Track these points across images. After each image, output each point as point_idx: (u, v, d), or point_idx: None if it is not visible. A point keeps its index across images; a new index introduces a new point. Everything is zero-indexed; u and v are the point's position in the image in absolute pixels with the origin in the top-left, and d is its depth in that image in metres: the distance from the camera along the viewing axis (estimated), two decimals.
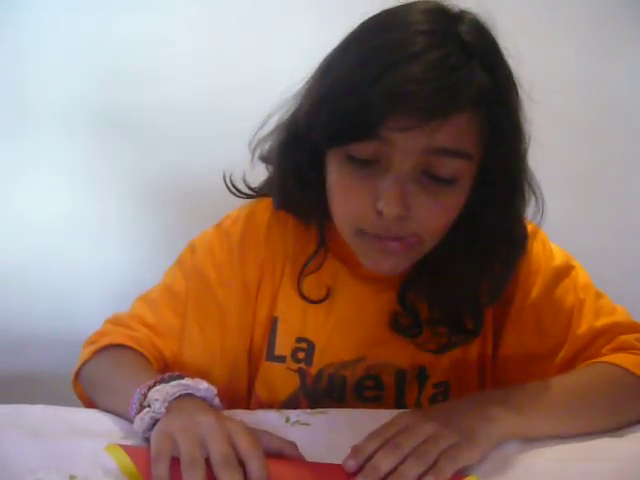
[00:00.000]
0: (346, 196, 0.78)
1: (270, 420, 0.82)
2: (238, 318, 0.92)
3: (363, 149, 0.73)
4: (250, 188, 0.97)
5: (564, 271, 0.91)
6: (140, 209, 1.61)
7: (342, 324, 0.92)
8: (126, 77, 1.51)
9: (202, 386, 0.75)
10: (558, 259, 0.92)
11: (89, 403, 0.90)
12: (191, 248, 0.97)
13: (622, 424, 0.80)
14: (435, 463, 0.66)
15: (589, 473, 0.69)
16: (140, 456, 0.67)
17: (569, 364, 0.88)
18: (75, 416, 0.81)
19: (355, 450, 0.69)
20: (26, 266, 1.60)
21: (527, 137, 0.80)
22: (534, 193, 0.84)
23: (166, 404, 0.71)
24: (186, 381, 0.75)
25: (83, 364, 0.91)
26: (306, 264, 0.91)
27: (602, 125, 1.57)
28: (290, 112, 0.85)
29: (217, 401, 0.76)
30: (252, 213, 0.94)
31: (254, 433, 0.69)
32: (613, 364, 0.83)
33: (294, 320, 0.93)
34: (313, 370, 0.93)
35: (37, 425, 0.77)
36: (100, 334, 0.95)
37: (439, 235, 0.80)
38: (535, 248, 0.91)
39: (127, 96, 1.52)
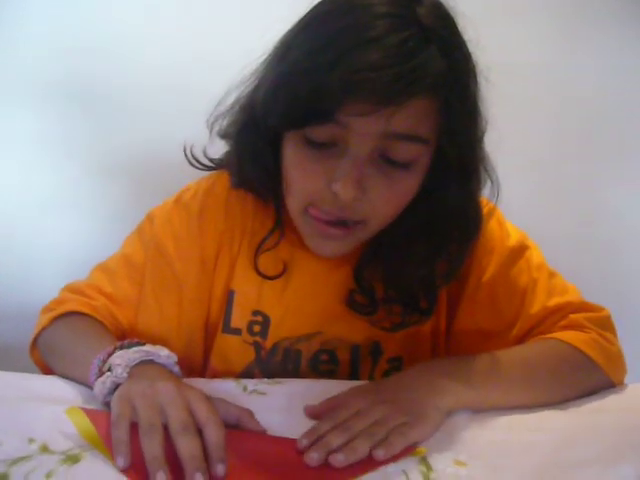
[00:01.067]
0: (301, 176, 0.78)
1: (227, 389, 0.83)
2: (195, 291, 0.93)
3: (320, 132, 0.73)
4: (210, 160, 0.96)
5: (519, 251, 0.93)
6: (96, 181, 1.59)
7: (298, 299, 0.93)
8: (83, 49, 1.49)
9: (163, 353, 0.76)
10: (513, 238, 0.94)
11: (47, 370, 0.91)
12: (150, 218, 0.97)
13: (567, 397, 0.83)
14: (385, 440, 0.68)
15: (534, 443, 0.72)
16: (101, 420, 0.68)
17: (521, 341, 0.91)
18: (33, 383, 0.82)
19: (308, 431, 0.70)
20: None
21: (484, 121, 0.81)
22: (489, 177, 0.85)
23: (128, 369, 0.72)
24: (147, 347, 0.77)
25: (41, 331, 0.91)
26: (263, 241, 0.91)
27: (560, 110, 1.60)
28: (248, 90, 0.84)
29: (177, 369, 0.77)
30: (212, 187, 0.94)
31: (212, 401, 0.70)
32: (561, 340, 0.86)
33: (250, 293, 0.94)
34: (268, 344, 0.94)
35: None
36: (57, 302, 0.95)
37: (387, 220, 0.81)
38: (491, 227, 0.92)
39: (84, 68, 1.51)
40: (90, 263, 1.03)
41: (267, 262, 0.92)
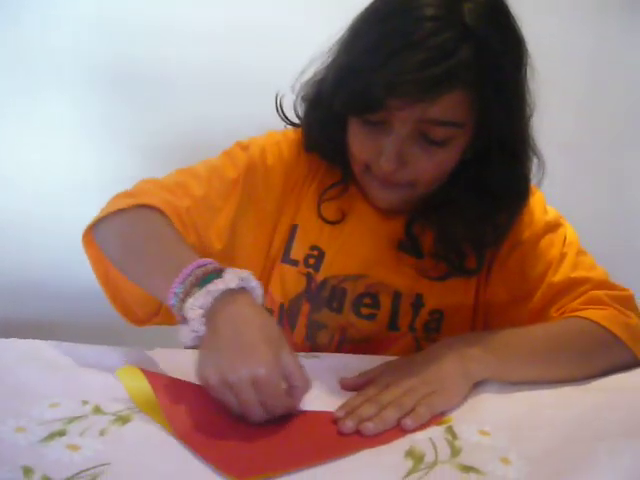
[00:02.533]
0: (359, 149, 0.92)
1: None
2: (270, 220, 1.03)
3: (373, 115, 0.86)
4: (298, 117, 1.05)
5: (553, 226, 1.00)
6: (141, 162, 1.64)
7: (351, 241, 1.03)
8: (128, 31, 1.53)
9: (254, 283, 0.76)
10: (550, 215, 1.01)
11: (97, 255, 0.93)
12: (241, 146, 1.03)
13: (590, 374, 0.86)
14: (413, 410, 0.73)
15: (556, 418, 0.75)
16: (159, 382, 0.74)
17: (541, 311, 0.96)
18: (85, 352, 0.87)
19: (343, 404, 0.76)
20: (30, 217, 1.65)
21: (530, 106, 0.91)
22: (535, 155, 0.95)
23: (204, 320, 0.72)
24: (241, 273, 0.75)
25: (113, 213, 0.90)
26: (329, 188, 1.03)
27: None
28: (318, 77, 0.97)
29: (262, 298, 0.77)
30: (295, 134, 1.05)
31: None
32: (585, 318, 0.90)
33: (311, 230, 1.04)
34: (319, 277, 1.02)
35: (51, 358, 0.83)
36: (138, 189, 0.96)
37: (432, 183, 0.93)
38: (532, 203, 1.00)
39: (129, 50, 1.54)
40: None
41: (329, 208, 1.03)
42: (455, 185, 0.94)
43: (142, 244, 0.87)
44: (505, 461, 0.65)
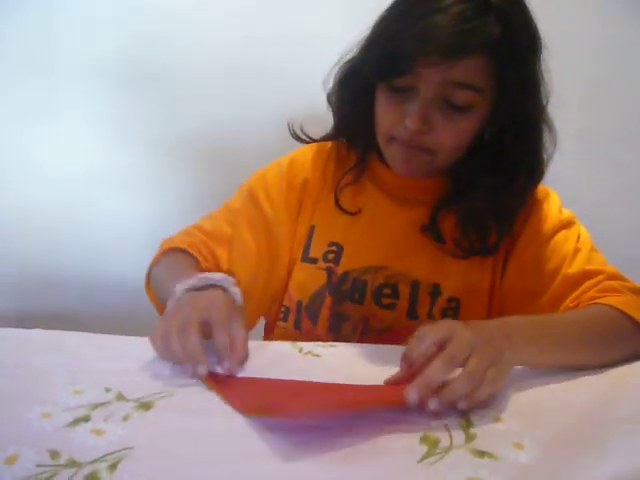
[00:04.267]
0: (386, 114, 0.98)
1: (284, 350, 0.90)
2: (284, 231, 1.11)
3: (400, 81, 0.94)
4: (307, 136, 1.18)
5: (568, 223, 1.04)
6: (170, 162, 1.66)
7: (370, 234, 1.09)
8: (157, 32, 1.55)
9: (217, 276, 0.90)
10: (565, 214, 1.05)
11: (158, 303, 1.06)
12: (249, 179, 1.16)
13: (614, 359, 0.87)
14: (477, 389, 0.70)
15: (570, 403, 0.76)
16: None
17: (556, 302, 0.97)
18: (107, 340, 0.90)
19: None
20: (56, 216, 1.67)
21: (544, 85, 0.97)
22: (548, 128, 1.00)
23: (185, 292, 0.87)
24: (207, 274, 0.91)
25: (153, 264, 1.09)
26: (346, 174, 1.11)
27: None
28: (351, 55, 1.04)
29: (234, 289, 0.90)
30: (300, 150, 1.16)
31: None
32: (607, 304, 0.91)
33: (329, 227, 1.11)
34: (339, 270, 1.07)
35: (74, 348, 0.86)
36: (169, 239, 1.13)
37: (452, 151, 0.99)
38: (546, 203, 1.06)
39: (159, 51, 1.57)
40: (159, 242, 1.12)
41: (347, 200, 1.10)
42: (474, 165, 1.01)
43: (163, 276, 1.04)
44: (518, 446, 0.65)
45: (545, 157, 1.01)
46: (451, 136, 0.96)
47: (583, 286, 0.97)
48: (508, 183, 1.01)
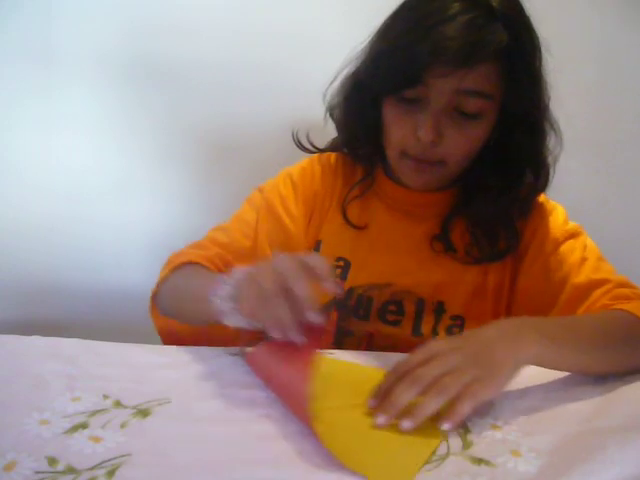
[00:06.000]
0: (396, 126, 0.98)
1: None
2: (302, 242, 1.11)
3: (410, 92, 0.94)
4: (312, 144, 1.18)
5: (574, 234, 1.05)
6: (170, 163, 1.64)
7: (376, 249, 1.09)
8: (154, 30, 1.53)
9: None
10: (571, 225, 1.06)
11: (165, 330, 1.02)
12: (259, 190, 1.16)
13: (632, 366, 0.84)
14: (453, 403, 0.69)
15: (567, 411, 0.76)
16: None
17: (568, 313, 0.97)
18: (105, 348, 0.90)
19: (375, 389, 0.74)
20: (55, 219, 1.65)
21: (546, 86, 0.98)
22: (554, 130, 1.02)
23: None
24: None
25: (161, 283, 1.02)
26: (353, 187, 1.11)
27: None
28: (353, 68, 1.04)
29: None
30: (309, 161, 1.16)
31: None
32: (621, 309, 0.89)
33: (336, 242, 1.11)
34: (345, 285, 1.06)
35: (72, 355, 0.86)
36: (177, 255, 1.07)
37: (463, 160, 1.00)
38: (553, 215, 1.07)
39: (156, 49, 1.55)
40: (165, 244, 1.12)
41: (354, 214, 1.11)
42: (482, 170, 1.02)
43: (184, 287, 0.99)
44: (516, 454, 0.66)
45: (550, 158, 1.03)
46: (462, 144, 0.97)
47: (593, 295, 0.96)
48: (515, 184, 1.02)
